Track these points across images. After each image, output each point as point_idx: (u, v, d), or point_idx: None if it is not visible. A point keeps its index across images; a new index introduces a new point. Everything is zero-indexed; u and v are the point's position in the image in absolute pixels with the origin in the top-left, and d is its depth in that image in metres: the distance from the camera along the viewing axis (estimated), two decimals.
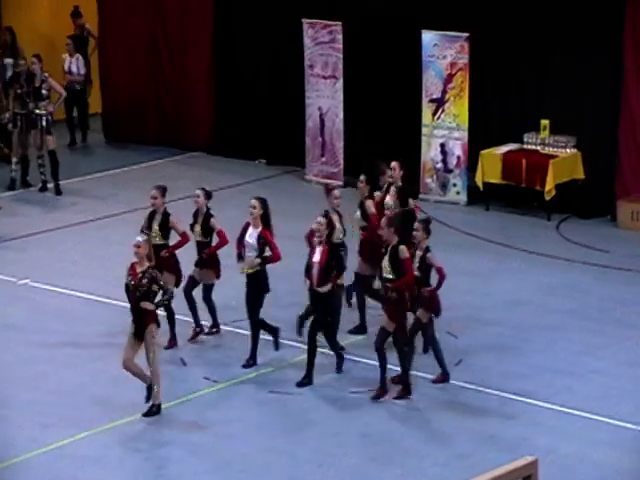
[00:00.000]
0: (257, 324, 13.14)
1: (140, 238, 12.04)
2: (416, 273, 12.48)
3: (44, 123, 18.80)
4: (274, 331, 13.27)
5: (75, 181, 19.49)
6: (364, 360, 13.06)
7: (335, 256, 12.69)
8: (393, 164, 14.16)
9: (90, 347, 13.55)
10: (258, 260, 12.94)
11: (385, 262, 12.34)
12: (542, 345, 13.62)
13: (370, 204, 13.92)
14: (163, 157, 20.73)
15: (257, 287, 13.01)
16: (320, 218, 12.66)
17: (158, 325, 12.09)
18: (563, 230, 17.41)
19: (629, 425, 11.90)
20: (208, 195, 13.77)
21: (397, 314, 12.28)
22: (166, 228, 13.51)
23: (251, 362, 13.09)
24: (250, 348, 13.10)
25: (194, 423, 12.05)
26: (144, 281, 11.86)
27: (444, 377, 12.69)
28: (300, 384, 12.59)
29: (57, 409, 12.28)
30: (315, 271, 12.56)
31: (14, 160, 19.18)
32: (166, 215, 13.50)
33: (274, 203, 13.41)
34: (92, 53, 21.95)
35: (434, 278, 12.57)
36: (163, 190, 13.58)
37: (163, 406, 12.17)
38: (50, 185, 19.12)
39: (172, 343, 13.60)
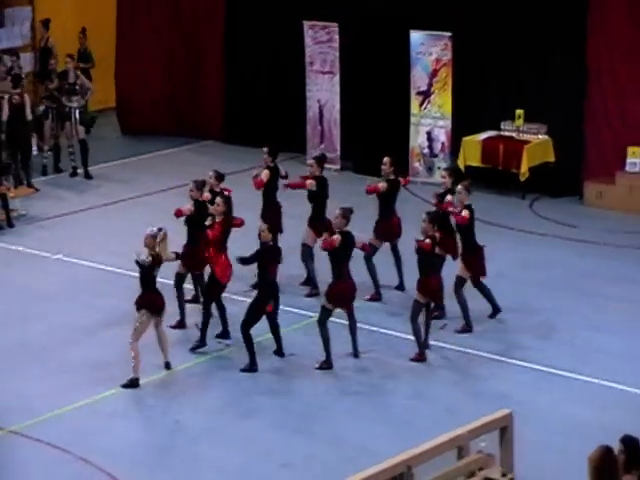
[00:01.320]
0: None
1: (148, 231, 11.97)
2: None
3: (77, 115, 18.75)
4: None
5: (99, 168, 19.40)
6: (365, 326, 13.02)
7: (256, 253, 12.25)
8: (385, 159, 14.11)
9: (114, 314, 13.54)
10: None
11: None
12: (517, 312, 13.58)
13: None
14: (178, 146, 20.63)
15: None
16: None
17: (152, 311, 11.93)
18: (536, 208, 17.37)
19: (595, 380, 11.93)
20: (220, 177, 13.61)
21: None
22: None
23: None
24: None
25: (204, 382, 12.07)
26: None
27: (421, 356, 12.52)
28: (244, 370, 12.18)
29: (85, 370, 12.30)
30: None
31: (46, 148, 19.13)
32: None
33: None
34: (56, 67, 20.35)
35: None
36: (200, 184, 13.18)
37: (180, 367, 12.21)
38: (80, 171, 19.07)
39: (180, 324, 13.19)
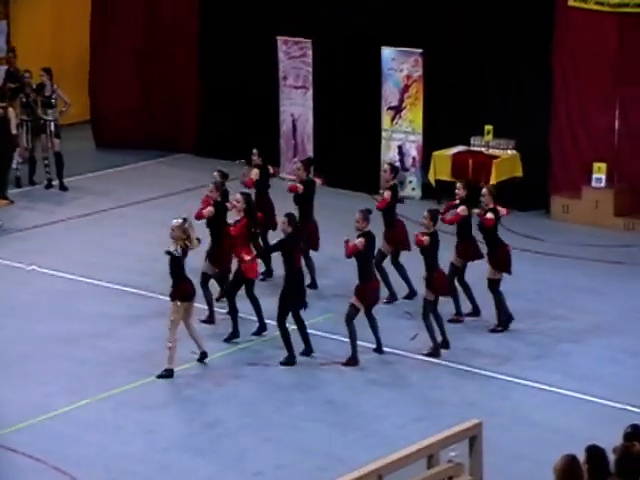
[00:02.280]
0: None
1: (175, 222, 11.91)
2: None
3: (52, 128, 18.63)
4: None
5: (74, 180, 19.26)
6: (333, 336, 13.03)
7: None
8: (385, 167, 14.21)
9: (88, 324, 13.47)
10: None
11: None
12: (485, 322, 13.60)
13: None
14: (151, 158, 20.50)
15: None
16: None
17: (184, 299, 11.91)
18: (504, 221, 17.30)
19: (560, 390, 11.95)
20: (225, 176, 13.83)
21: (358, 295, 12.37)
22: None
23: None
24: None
25: (181, 391, 11.99)
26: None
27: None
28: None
29: (60, 379, 12.22)
30: None
31: (20, 161, 18.94)
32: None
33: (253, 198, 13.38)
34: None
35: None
36: (219, 184, 13.49)
37: (153, 378, 12.15)
38: (55, 182, 18.95)
39: (210, 319, 13.35)
